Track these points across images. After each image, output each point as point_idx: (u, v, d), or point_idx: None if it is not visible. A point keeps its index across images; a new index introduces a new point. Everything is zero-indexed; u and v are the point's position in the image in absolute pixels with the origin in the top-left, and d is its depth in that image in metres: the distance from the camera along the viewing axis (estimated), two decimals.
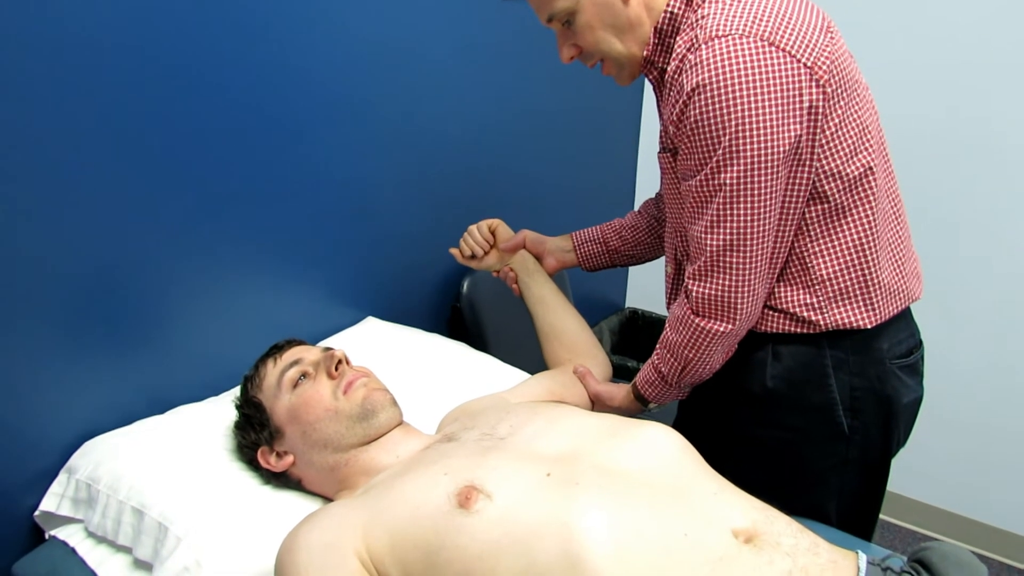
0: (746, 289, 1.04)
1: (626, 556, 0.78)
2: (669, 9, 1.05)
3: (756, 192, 0.98)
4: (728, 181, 0.98)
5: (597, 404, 1.27)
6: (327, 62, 1.36)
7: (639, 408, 1.23)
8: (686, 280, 1.09)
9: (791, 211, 1.03)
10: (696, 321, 1.08)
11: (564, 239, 1.47)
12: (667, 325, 1.15)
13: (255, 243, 1.31)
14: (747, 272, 1.03)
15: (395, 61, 1.50)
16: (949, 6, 1.88)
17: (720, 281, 1.04)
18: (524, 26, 1.78)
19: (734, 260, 1.02)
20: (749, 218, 0.99)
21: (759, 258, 1.02)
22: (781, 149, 0.96)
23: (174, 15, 1.09)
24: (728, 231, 1.01)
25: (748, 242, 1.01)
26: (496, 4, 1.72)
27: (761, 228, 1.00)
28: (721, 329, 1.07)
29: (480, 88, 1.75)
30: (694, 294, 1.07)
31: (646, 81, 1.16)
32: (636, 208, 1.48)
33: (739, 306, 1.05)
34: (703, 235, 1.03)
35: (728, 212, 1.00)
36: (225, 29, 1.17)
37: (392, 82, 1.51)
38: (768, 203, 0.99)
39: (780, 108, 0.95)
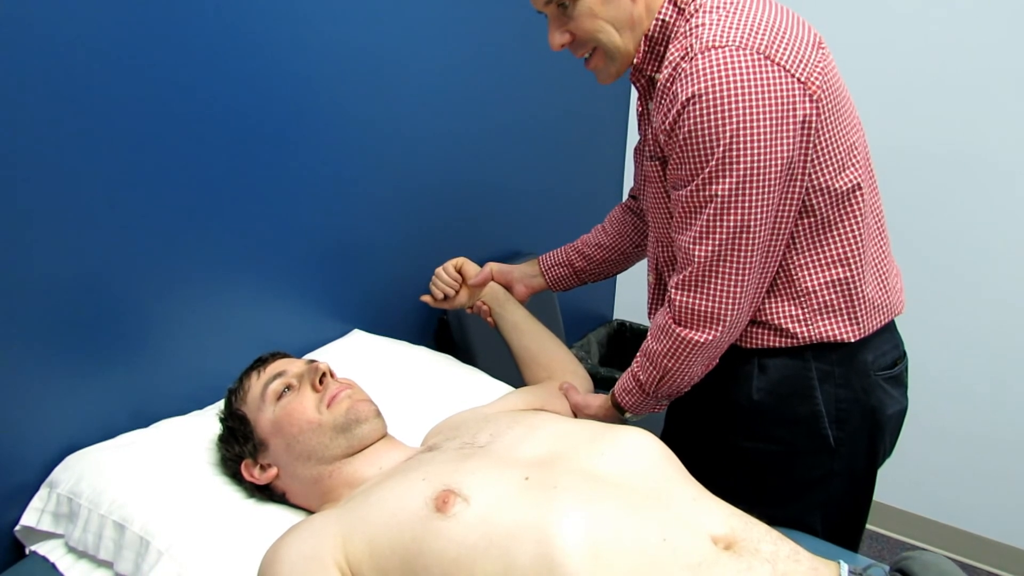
0: (730, 301, 1.04)
1: (603, 559, 0.78)
2: (660, 16, 1.05)
3: (747, 205, 0.98)
4: (720, 192, 0.98)
5: (578, 414, 1.26)
6: (311, 73, 1.36)
7: (616, 417, 1.23)
8: (670, 289, 1.09)
9: (782, 225, 1.03)
10: (677, 331, 1.08)
11: (530, 265, 1.48)
12: (649, 334, 1.15)
13: (240, 255, 1.31)
14: (733, 284, 1.03)
15: (379, 70, 1.50)
16: (931, 21, 1.91)
17: (705, 292, 1.04)
18: (510, 32, 1.80)
19: (721, 271, 1.03)
20: (739, 230, 1.00)
21: (747, 270, 1.03)
22: (775, 163, 0.97)
23: (158, 28, 1.10)
24: (717, 242, 1.01)
25: (736, 254, 1.01)
26: (481, 10, 1.72)
27: (750, 241, 1.01)
28: (702, 339, 1.07)
29: (466, 96, 1.76)
30: (677, 303, 1.07)
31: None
32: None
33: (722, 317, 1.05)
34: (691, 245, 1.04)
35: (718, 223, 1.00)
36: (207, 43, 1.17)
37: (378, 92, 1.51)
38: (758, 216, 0.99)
39: (774, 121, 0.95)
